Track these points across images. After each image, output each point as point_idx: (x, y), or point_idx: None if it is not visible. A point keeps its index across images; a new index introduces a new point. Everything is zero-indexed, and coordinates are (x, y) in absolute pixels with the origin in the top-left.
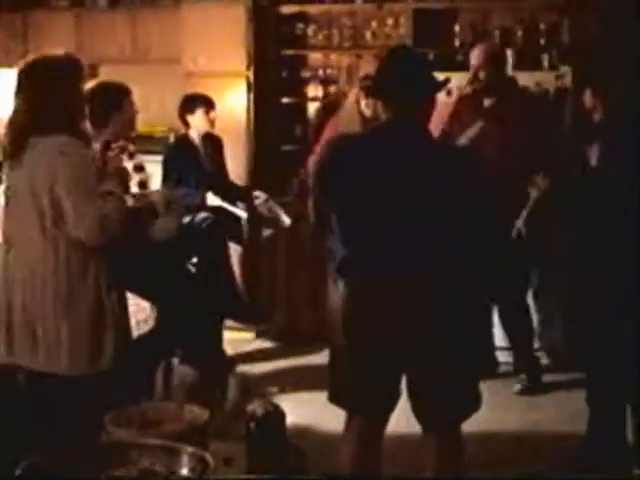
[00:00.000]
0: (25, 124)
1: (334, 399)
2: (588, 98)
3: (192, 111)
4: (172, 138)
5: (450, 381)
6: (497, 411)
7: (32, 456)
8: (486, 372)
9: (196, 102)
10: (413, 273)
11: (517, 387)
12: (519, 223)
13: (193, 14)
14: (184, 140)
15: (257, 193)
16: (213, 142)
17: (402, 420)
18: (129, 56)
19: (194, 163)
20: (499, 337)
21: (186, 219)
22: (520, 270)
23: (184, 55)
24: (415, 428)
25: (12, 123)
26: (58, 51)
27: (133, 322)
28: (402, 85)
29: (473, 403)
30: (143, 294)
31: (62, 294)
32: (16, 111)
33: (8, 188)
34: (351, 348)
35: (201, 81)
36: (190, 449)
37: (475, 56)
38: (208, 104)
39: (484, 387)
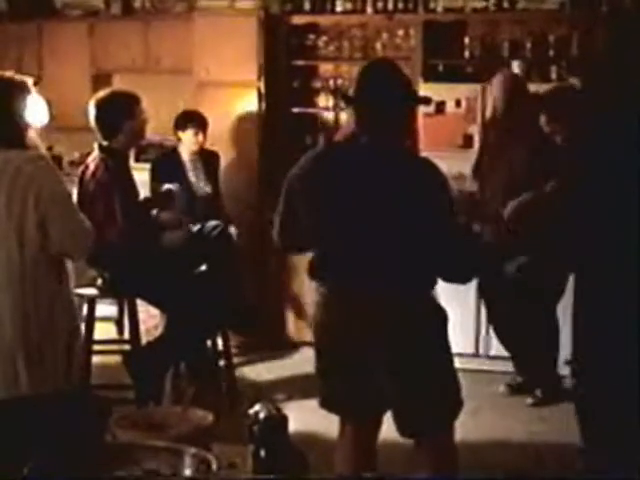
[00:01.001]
0: None
1: (323, 405)
2: None
3: (183, 128)
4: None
5: (419, 392)
6: (506, 420)
7: (36, 458)
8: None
9: (188, 121)
10: (379, 283)
11: (529, 400)
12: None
13: (205, 24)
14: (171, 154)
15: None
16: (208, 158)
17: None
18: (141, 65)
19: (177, 179)
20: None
21: (196, 227)
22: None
23: (196, 65)
24: None
25: None
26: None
27: (143, 329)
28: (371, 97)
29: (447, 412)
30: (152, 301)
31: (43, 314)
32: None
33: None
34: (323, 354)
35: (212, 91)
36: (193, 450)
37: (496, 89)
38: (199, 125)
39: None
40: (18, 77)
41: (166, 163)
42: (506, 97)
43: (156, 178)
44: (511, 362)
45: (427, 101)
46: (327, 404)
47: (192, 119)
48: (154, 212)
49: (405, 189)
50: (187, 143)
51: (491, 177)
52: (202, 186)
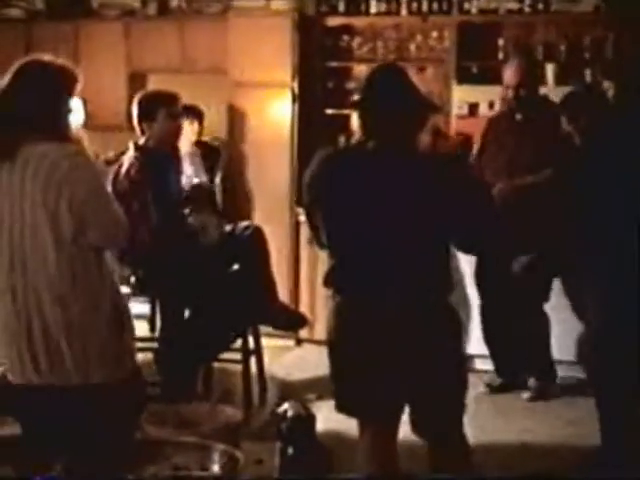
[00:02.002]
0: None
1: (340, 409)
2: None
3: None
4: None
5: (437, 394)
6: (501, 419)
7: (66, 458)
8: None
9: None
10: (399, 288)
11: (525, 395)
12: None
13: (240, 25)
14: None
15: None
16: (209, 153)
17: None
18: (177, 66)
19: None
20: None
21: (228, 227)
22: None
23: (231, 65)
24: None
25: None
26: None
27: None
28: (384, 102)
29: (461, 409)
30: (184, 299)
31: (84, 307)
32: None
33: None
34: (340, 361)
35: (247, 91)
36: (221, 447)
37: (508, 75)
38: (194, 115)
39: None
40: (70, 65)
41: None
42: (519, 81)
43: None
44: (491, 361)
45: (435, 109)
46: (344, 408)
47: (187, 110)
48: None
49: (421, 190)
50: (185, 134)
51: (493, 164)
52: (201, 176)
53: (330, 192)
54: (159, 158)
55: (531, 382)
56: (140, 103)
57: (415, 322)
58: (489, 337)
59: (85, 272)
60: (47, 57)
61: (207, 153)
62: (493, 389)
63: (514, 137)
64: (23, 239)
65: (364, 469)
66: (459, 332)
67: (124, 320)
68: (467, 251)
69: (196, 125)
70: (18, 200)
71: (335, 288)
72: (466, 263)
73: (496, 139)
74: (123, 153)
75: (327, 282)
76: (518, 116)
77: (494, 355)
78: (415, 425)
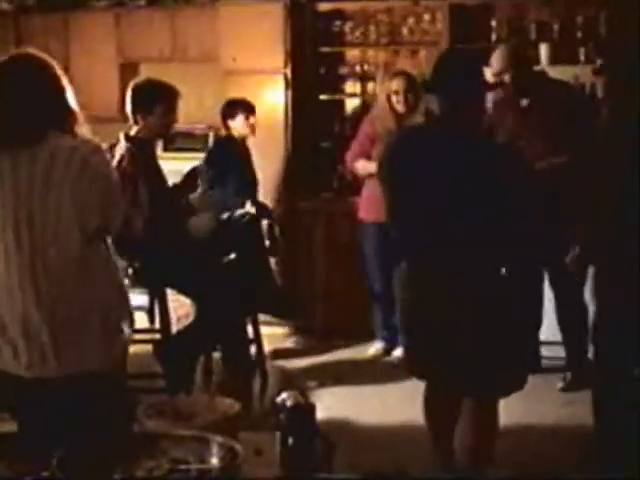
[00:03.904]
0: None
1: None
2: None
3: (233, 116)
4: (211, 137)
5: (496, 360)
6: (535, 404)
7: (65, 448)
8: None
9: (237, 107)
10: (459, 260)
11: (560, 384)
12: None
13: (231, 12)
14: (228, 140)
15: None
16: (248, 150)
17: None
18: (168, 55)
19: (236, 165)
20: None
21: (224, 215)
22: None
23: (222, 53)
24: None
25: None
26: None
27: (174, 318)
28: (463, 81)
29: (517, 382)
30: (182, 290)
31: (99, 295)
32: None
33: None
34: (409, 328)
35: (239, 79)
36: (220, 439)
37: (496, 62)
38: (248, 110)
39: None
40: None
41: (221, 149)
42: (502, 67)
43: (209, 176)
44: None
45: (495, 86)
46: (415, 372)
47: (240, 105)
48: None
49: (486, 171)
50: (239, 130)
51: None
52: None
53: (399, 168)
54: (150, 148)
55: (567, 376)
56: (137, 94)
57: (475, 292)
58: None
59: (103, 263)
60: (35, 51)
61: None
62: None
63: (522, 125)
64: (45, 230)
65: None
66: (515, 302)
67: (124, 308)
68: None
69: (252, 119)
70: (39, 189)
71: (400, 258)
72: None
73: (504, 126)
74: (116, 144)
75: (397, 250)
76: (523, 102)
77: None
78: (468, 384)
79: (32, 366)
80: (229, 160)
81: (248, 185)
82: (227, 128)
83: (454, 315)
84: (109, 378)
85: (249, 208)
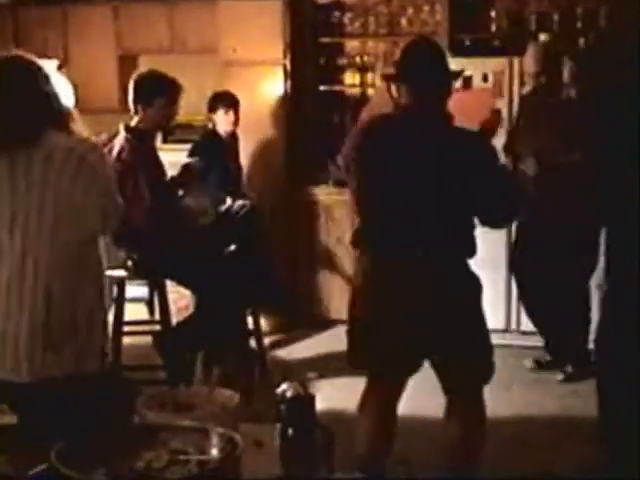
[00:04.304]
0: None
1: (352, 363)
2: None
3: (214, 110)
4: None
5: (465, 350)
6: (536, 395)
7: (63, 442)
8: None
9: (218, 101)
10: (421, 249)
11: (560, 376)
12: None
13: (230, 3)
14: (211, 135)
15: None
16: (235, 142)
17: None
18: (167, 46)
19: (220, 161)
20: None
21: (224, 206)
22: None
23: (221, 44)
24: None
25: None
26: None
27: (174, 309)
28: (428, 71)
29: (488, 371)
30: (182, 282)
31: (93, 295)
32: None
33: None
34: (365, 318)
35: (239, 70)
36: (220, 430)
37: (530, 64)
38: (229, 104)
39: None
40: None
41: (205, 143)
42: (539, 68)
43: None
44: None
45: (461, 73)
46: (358, 363)
47: (221, 99)
48: (180, 194)
49: (450, 158)
50: (220, 123)
51: (524, 148)
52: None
53: (363, 156)
54: (150, 139)
55: (568, 367)
56: (139, 85)
57: (438, 281)
58: (532, 317)
59: (95, 265)
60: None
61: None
62: (540, 365)
63: (545, 118)
64: (40, 231)
65: (363, 426)
66: (479, 295)
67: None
68: (486, 224)
69: (231, 115)
70: (36, 190)
71: (363, 247)
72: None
73: (527, 119)
74: (115, 135)
75: (355, 242)
76: (550, 99)
77: (540, 333)
78: (444, 381)
79: (23, 368)
80: (210, 156)
81: (229, 182)
82: (210, 120)
83: (421, 306)
84: (102, 377)
85: (229, 203)
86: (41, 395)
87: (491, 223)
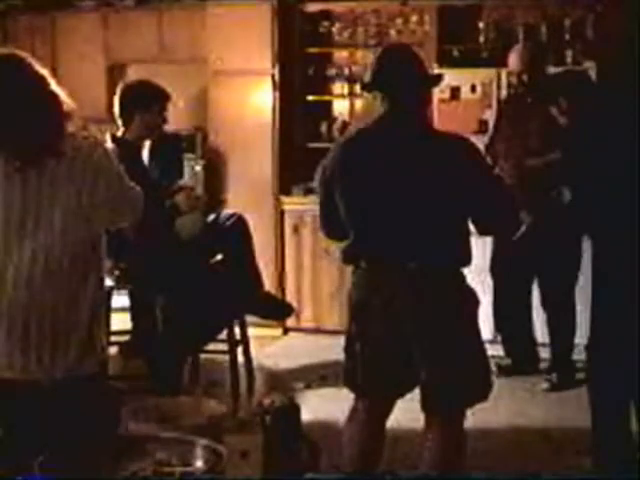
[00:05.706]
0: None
1: (347, 383)
2: None
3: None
4: (199, 137)
5: (452, 368)
6: (523, 405)
7: (47, 451)
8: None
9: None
10: (413, 259)
11: (545, 385)
12: None
13: (219, 13)
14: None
15: None
16: (168, 142)
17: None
18: (156, 55)
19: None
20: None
21: (211, 217)
22: (568, 266)
23: (210, 54)
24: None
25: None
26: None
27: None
28: (401, 78)
29: (478, 392)
30: (167, 291)
31: (95, 296)
32: None
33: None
34: (358, 334)
35: (227, 79)
36: (204, 442)
37: (514, 62)
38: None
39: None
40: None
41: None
42: (522, 66)
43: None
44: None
45: (439, 78)
46: (351, 384)
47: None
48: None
49: (438, 164)
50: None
51: (505, 151)
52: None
53: (346, 170)
54: (136, 150)
55: (553, 377)
56: (126, 95)
57: (431, 294)
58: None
59: (97, 263)
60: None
61: (168, 143)
62: (501, 369)
63: (524, 120)
64: (51, 231)
65: (348, 444)
66: (475, 309)
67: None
68: (483, 232)
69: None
70: (46, 193)
71: (355, 262)
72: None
73: (507, 122)
74: None
75: (346, 258)
76: (529, 99)
77: (503, 338)
78: (426, 400)
79: (26, 369)
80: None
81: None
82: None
83: (410, 316)
84: (94, 381)
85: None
86: (45, 395)
87: (489, 230)
